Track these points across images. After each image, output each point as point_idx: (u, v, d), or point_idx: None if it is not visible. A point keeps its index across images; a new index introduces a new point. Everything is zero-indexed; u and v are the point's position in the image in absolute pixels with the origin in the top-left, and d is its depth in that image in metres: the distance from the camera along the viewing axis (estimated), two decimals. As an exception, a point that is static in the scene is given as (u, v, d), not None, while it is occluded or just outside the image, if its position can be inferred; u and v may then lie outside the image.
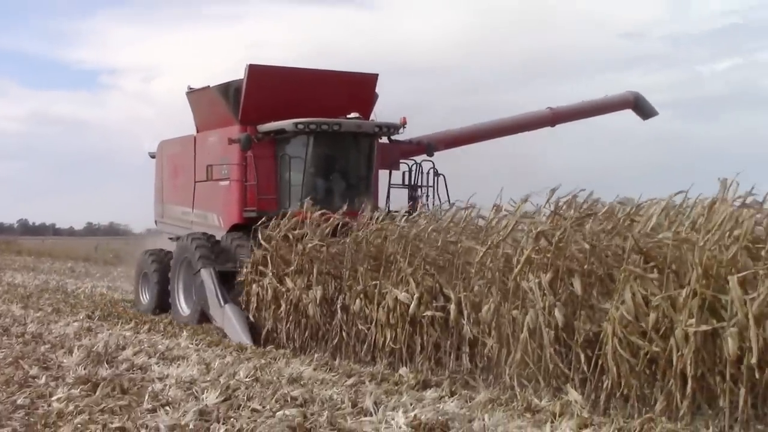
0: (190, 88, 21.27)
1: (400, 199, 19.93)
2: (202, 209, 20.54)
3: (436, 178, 19.63)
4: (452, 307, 12.46)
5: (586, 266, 11.07)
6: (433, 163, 19.84)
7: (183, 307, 19.38)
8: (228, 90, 19.44)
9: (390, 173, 19.99)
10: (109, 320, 19.13)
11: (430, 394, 11.05)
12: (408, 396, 10.80)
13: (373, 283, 14.00)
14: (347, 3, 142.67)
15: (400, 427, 9.00)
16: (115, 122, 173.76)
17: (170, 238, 22.62)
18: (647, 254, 10.49)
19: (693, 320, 9.61)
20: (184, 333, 16.82)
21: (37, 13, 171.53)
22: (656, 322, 10.03)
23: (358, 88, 19.99)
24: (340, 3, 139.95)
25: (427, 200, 19.61)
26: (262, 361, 13.35)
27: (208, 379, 11.59)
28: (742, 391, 9.20)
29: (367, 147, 19.22)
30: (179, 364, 12.69)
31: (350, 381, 11.89)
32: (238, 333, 15.68)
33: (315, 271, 15.19)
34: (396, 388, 11.53)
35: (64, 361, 12.76)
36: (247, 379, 11.59)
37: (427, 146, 20.51)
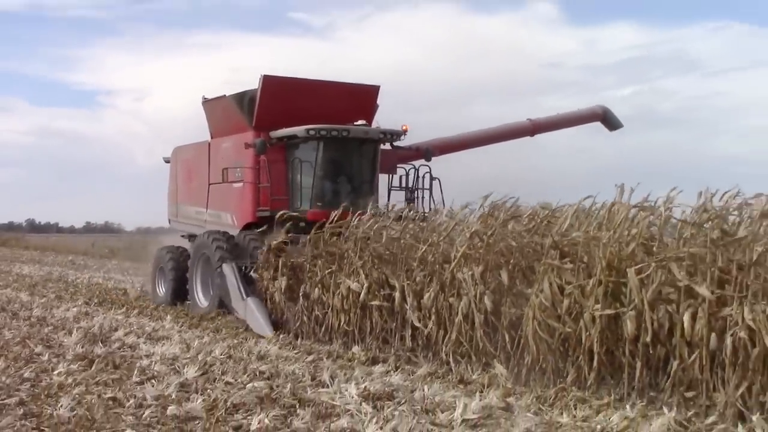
0: (205, 98, 20.27)
1: (399, 202, 18.60)
2: (215, 209, 19.56)
3: (431, 181, 18.69)
4: (397, 295, 12.50)
5: (511, 260, 11.17)
6: (429, 167, 18.99)
7: (201, 299, 18.21)
8: (243, 99, 18.56)
9: (390, 177, 19.22)
10: (103, 306, 19.06)
11: (378, 368, 11.15)
12: (359, 370, 10.92)
13: (329, 273, 14.06)
14: (311, 35, 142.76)
15: (352, 397, 9.08)
16: (110, 136, 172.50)
17: (182, 236, 21.74)
18: (562, 250, 10.58)
19: (599, 305, 9.74)
20: (168, 317, 16.72)
21: (44, 42, 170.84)
22: (569, 307, 10.13)
23: (361, 98, 19.10)
24: (304, 35, 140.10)
25: (422, 202, 18.75)
26: (235, 341, 13.41)
27: (188, 356, 11.65)
28: (639, 364, 9.35)
29: (372, 152, 18.37)
30: (164, 344, 12.72)
31: (310, 358, 11.99)
32: (260, 324, 14.70)
33: (280, 264, 15.13)
34: (349, 363, 11.64)
35: (65, 340, 12.77)
36: (222, 356, 11.65)
37: (425, 152, 19.52)
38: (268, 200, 17.55)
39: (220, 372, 10.46)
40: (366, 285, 12.96)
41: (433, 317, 11.93)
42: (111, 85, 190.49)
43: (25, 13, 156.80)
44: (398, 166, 19.25)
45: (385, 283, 12.83)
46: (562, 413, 8.60)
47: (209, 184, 19.74)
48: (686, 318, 8.88)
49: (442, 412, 8.47)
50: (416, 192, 18.80)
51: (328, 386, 9.77)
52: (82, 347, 12.09)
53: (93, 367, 10.60)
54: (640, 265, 9.56)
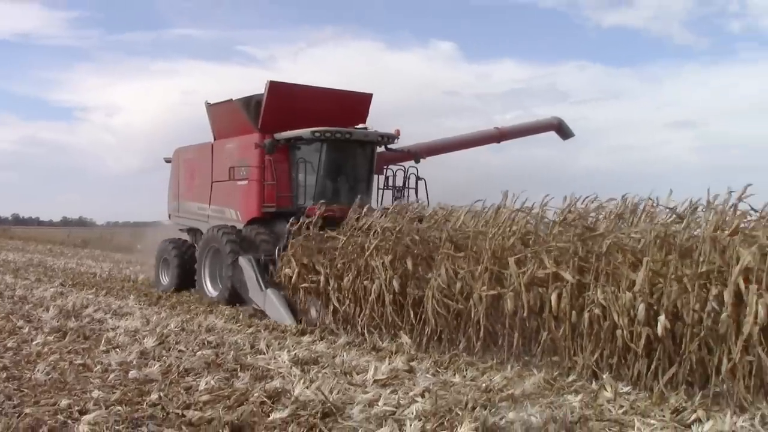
0: (209, 103, 18.46)
1: (386, 200, 17.17)
2: (219, 205, 17.82)
3: (417, 181, 17.05)
4: (321, 278, 12.48)
5: (415, 250, 11.24)
6: (417, 169, 17.31)
7: (210, 289, 16.58)
8: (249, 102, 16.90)
9: (378, 177, 17.49)
10: (76, 287, 18.54)
11: (306, 338, 11.12)
12: (291, 340, 10.89)
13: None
14: (254, 65, 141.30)
15: (284, 362, 9.06)
16: (85, 146, 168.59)
17: (181, 230, 20.07)
18: (456, 242, 10.71)
19: (485, 287, 9.87)
20: (132, 296, 16.44)
21: (31, 66, 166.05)
22: (461, 288, 10.24)
23: (356, 104, 17.57)
24: (249, 65, 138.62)
25: (407, 201, 16.63)
26: (188, 316, 13.18)
27: (148, 329, 11.41)
28: (516, 334, 9.53)
29: (370, 153, 16.87)
30: (127, 319, 12.44)
31: (250, 330, 11.88)
32: (281, 314, 13.08)
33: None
34: (282, 335, 11.56)
35: (43, 316, 12.37)
36: (176, 329, 11.44)
37: (415, 154, 17.94)
38: (275, 197, 16.09)
39: (174, 342, 10.29)
40: (296, 270, 12.86)
41: (350, 297, 11.93)
42: (86, 103, 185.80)
43: (15, 40, 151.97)
44: (388, 167, 17.54)
45: (313, 269, 12.76)
46: (455, 374, 8.68)
47: (212, 182, 18.17)
48: (553, 298, 9.06)
49: (358, 374, 8.50)
50: (405, 191, 17.19)
51: (264, 353, 9.73)
52: (58, 321, 11.78)
53: (66, 338, 10.35)
54: (518, 255, 9.73)
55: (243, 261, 14.54)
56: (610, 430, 6.55)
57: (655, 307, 8.13)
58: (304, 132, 15.68)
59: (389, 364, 8.97)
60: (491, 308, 9.88)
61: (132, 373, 8.18)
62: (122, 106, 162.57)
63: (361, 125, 16.88)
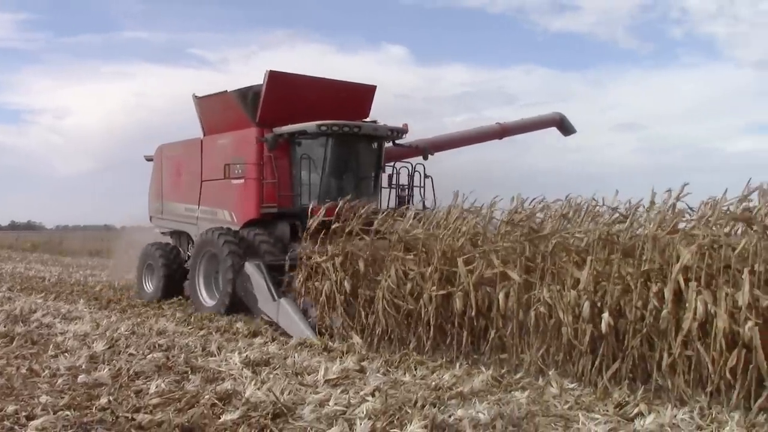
0: (197, 96, 16.85)
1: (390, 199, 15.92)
2: (210, 206, 16.22)
3: (424, 179, 15.58)
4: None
5: (366, 252, 11.22)
6: (423, 166, 15.76)
7: (205, 297, 14.80)
8: (247, 94, 15.39)
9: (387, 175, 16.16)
10: (25, 291, 18.23)
11: (258, 340, 11.04)
12: (242, 342, 10.81)
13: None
14: (206, 68, 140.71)
15: (236, 364, 8.99)
16: (34, 148, 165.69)
17: (163, 233, 18.35)
18: (407, 244, 10.75)
19: (435, 287, 9.93)
20: (81, 300, 16.21)
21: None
22: (411, 288, 10.28)
23: (359, 96, 16.28)
24: (200, 67, 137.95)
25: (411, 200, 15.65)
26: (138, 320, 13.02)
27: (98, 332, 11.26)
28: (465, 333, 9.60)
29: (378, 149, 15.49)
30: (77, 323, 12.24)
31: (201, 332, 11.77)
32: (298, 327, 11.48)
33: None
34: (234, 336, 11.48)
35: (-10, 321, 12.18)
36: (127, 332, 11.31)
37: (424, 150, 16.42)
38: (275, 196, 14.66)
39: (124, 345, 10.15)
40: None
41: (303, 297, 11.88)
42: (34, 105, 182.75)
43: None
44: (395, 164, 16.14)
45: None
46: (405, 373, 8.71)
47: (202, 181, 16.57)
48: (501, 296, 9.15)
49: (309, 375, 8.48)
50: (411, 189, 15.77)
51: (215, 355, 9.65)
52: (5, 327, 11.57)
53: (14, 343, 10.17)
54: (467, 255, 9.82)
55: (250, 267, 12.92)
56: (555, 425, 6.65)
57: (599, 305, 8.27)
58: (309, 126, 14.40)
59: (340, 364, 8.96)
60: (441, 308, 9.93)
61: (81, 378, 8.05)
62: (72, 108, 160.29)
63: (369, 119, 15.80)
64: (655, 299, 7.76)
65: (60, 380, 7.97)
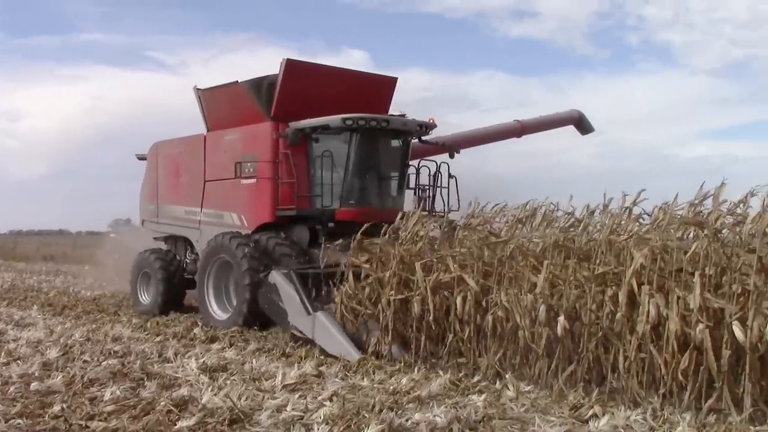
0: (199, 88, 15.46)
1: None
2: (215, 208, 14.83)
3: (449, 179, 14.20)
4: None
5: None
6: (447, 165, 14.39)
7: (215, 310, 13.52)
8: (260, 85, 14.04)
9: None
10: (-25, 298, 17.94)
11: (215, 346, 10.96)
12: (200, 348, 10.73)
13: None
14: (165, 71, 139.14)
15: (192, 370, 8.91)
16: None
17: (156, 238, 16.92)
18: (365, 249, 10.72)
19: (393, 292, 9.94)
20: (35, 306, 15.96)
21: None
22: (369, 293, 10.28)
23: (379, 89, 14.96)
24: (159, 71, 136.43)
25: (431, 201, 14.41)
26: (94, 326, 12.87)
27: (51, 339, 11.08)
28: (423, 337, 9.64)
29: (406, 145, 14.17)
30: (30, 329, 12.07)
31: (158, 338, 11.66)
32: (340, 344, 10.11)
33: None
34: (191, 342, 11.35)
35: (-62, 329, 11.92)
36: (81, 339, 11.15)
37: (450, 147, 14.94)
38: (293, 197, 13.33)
39: (79, 352, 10.01)
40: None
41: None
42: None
43: None
44: (419, 162, 14.82)
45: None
46: (363, 378, 8.72)
47: (205, 181, 15.19)
48: (458, 301, 9.21)
49: (267, 380, 8.44)
50: (435, 190, 14.42)
51: (172, 361, 9.57)
52: (-45, 334, 11.35)
53: (-36, 352, 9.97)
54: (424, 260, 9.86)
55: (278, 276, 11.45)
56: (512, 427, 6.71)
57: (555, 309, 8.36)
58: (332, 119, 13.13)
59: (298, 369, 8.94)
60: (399, 312, 9.94)
61: (34, 385, 7.89)
62: (27, 111, 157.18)
63: (397, 112, 14.40)
64: (610, 302, 7.88)
65: (12, 388, 7.80)
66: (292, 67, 13.73)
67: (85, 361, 9.41)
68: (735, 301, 7.03)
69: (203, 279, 13.79)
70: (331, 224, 13.02)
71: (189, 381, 8.32)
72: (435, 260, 9.75)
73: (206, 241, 14.16)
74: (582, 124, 21.59)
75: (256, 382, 8.40)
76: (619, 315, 7.70)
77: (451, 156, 14.75)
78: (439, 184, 14.29)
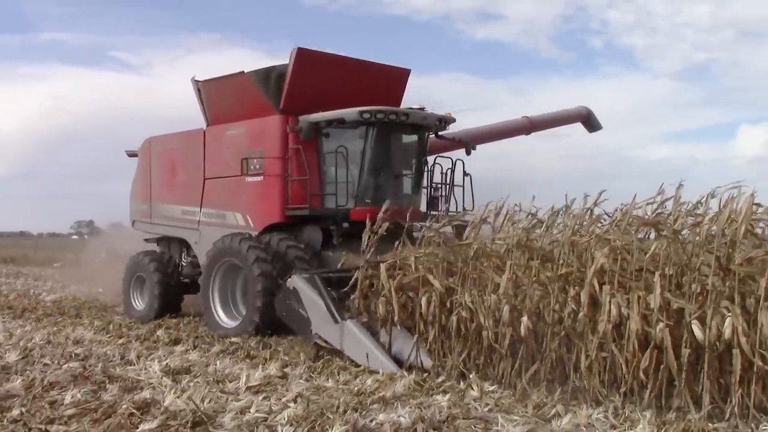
0: (197, 80, 14.54)
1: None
2: (216, 208, 13.97)
3: (464, 177, 13.37)
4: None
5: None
6: (463, 162, 13.56)
7: (222, 317, 12.61)
8: (269, 76, 13.14)
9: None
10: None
11: (179, 348, 10.88)
12: (163, 350, 10.64)
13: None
14: (129, 71, 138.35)
15: (155, 372, 8.85)
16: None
17: (148, 240, 16.07)
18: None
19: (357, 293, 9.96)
20: (-7, 310, 15.76)
21: None
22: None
23: (392, 81, 14.15)
24: (123, 71, 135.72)
25: (448, 201, 13.55)
26: (54, 329, 12.69)
27: (11, 342, 10.95)
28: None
29: (424, 141, 13.37)
30: (-12, 333, 11.92)
31: (121, 341, 11.54)
32: (375, 356, 9.21)
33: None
34: (154, 345, 11.26)
35: None
36: (42, 342, 11.01)
37: (467, 143, 14.17)
38: (304, 196, 12.56)
39: (39, 356, 9.89)
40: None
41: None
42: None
43: None
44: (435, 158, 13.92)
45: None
46: (328, 379, 8.71)
47: (205, 179, 14.32)
48: (423, 302, 9.24)
49: (230, 382, 8.40)
50: (451, 188, 13.54)
51: (134, 364, 9.49)
52: None
53: None
54: (389, 261, 9.88)
55: (300, 282, 10.44)
56: (476, 427, 6.75)
57: (519, 309, 8.43)
58: (348, 113, 12.36)
59: (263, 371, 8.91)
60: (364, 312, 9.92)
61: (-8, 389, 7.80)
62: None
63: (416, 105, 13.48)
64: (572, 302, 7.96)
65: (-31, 392, 7.70)
66: (303, 56, 12.91)
67: (45, 365, 9.30)
68: (694, 301, 7.16)
69: (208, 283, 12.82)
70: (345, 224, 12.34)
71: (151, 383, 8.25)
72: (399, 261, 9.75)
73: (206, 243, 13.50)
74: (590, 121, 21.16)
75: (220, 384, 8.36)
76: (581, 315, 7.79)
77: (468, 152, 14.07)
78: (453, 183, 13.49)
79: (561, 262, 8.31)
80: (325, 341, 9.94)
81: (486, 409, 7.31)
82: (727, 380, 6.92)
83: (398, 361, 9.18)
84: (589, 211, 8.72)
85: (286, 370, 9.19)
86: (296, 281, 10.46)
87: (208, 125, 14.62)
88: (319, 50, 13.35)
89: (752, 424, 6.54)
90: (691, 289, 7.23)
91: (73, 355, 9.97)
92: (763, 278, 6.73)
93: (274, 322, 11.25)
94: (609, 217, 8.70)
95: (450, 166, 13.48)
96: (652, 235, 8.15)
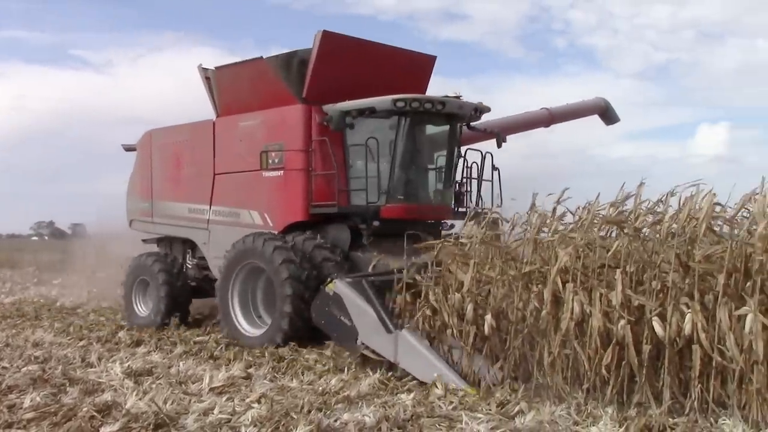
0: (207, 68, 13.49)
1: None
2: (229, 205, 12.93)
3: (492, 172, 12.41)
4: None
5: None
6: (492, 155, 12.55)
7: (243, 325, 11.59)
8: (290, 61, 12.14)
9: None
10: None
11: (141, 349, 10.78)
12: (125, 352, 10.55)
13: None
14: (89, 70, 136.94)
15: (117, 374, 8.78)
16: None
17: (145, 240, 15.16)
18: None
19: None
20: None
21: None
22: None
23: (418, 69, 13.24)
24: (83, 69, 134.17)
25: (478, 196, 12.65)
26: (13, 331, 12.53)
27: (-32, 346, 10.81)
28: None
29: (457, 132, 12.42)
30: (-55, 338, 11.70)
31: (81, 343, 11.41)
32: (439, 370, 8.24)
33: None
34: (116, 347, 11.15)
35: None
36: (0, 345, 10.89)
37: (498, 135, 13.03)
38: (330, 191, 11.61)
39: (-3, 358, 9.76)
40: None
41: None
42: None
43: None
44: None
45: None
46: (292, 379, 8.70)
47: (215, 174, 13.30)
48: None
49: (193, 383, 8.37)
50: (480, 184, 12.62)
51: (95, 366, 9.41)
52: None
53: None
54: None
55: (344, 287, 9.42)
56: (440, 425, 6.78)
57: (483, 307, 8.48)
58: (380, 101, 11.42)
59: (226, 371, 8.88)
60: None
61: (-51, 393, 7.67)
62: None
63: (452, 93, 12.39)
64: (536, 300, 8.03)
65: (-76, 397, 7.56)
66: (328, 40, 11.94)
67: (3, 368, 9.19)
68: (655, 298, 7.26)
69: (227, 288, 11.75)
70: (375, 223, 11.55)
71: (113, 386, 8.18)
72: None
73: (216, 244, 12.76)
74: (607, 114, 20.21)
75: (183, 385, 8.31)
76: (544, 312, 7.86)
77: (499, 145, 12.97)
78: (482, 177, 12.57)
79: (525, 260, 8.37)
80: (374, 352, 9.05)
81: (450, 407, 7.35)
82: (687, 376, 7.03)
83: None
84: (552, 210, 8.78)
85: (250, 370, 9.18)
86: (340, 286, 9.45)
87: (218, 116, 13.61)
88: (345, 34, 12.47)
89: (711, 419, 6.65)
90: (652, 286, 7.32)
91: (32, 358, 9.85)
92: (722, 275, 6.84)
93: (305, 329, 10.54)
94: (572, 215, 8.79)
95: (476, 160, 12.59)
96: (614, 234, 8.24)
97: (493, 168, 12.41)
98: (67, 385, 8.21)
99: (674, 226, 7.43)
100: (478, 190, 12.55)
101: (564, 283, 7.79)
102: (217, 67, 13.36)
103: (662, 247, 7.42)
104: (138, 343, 11.34)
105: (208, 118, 13.76)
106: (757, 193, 7.02)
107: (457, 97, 12.14)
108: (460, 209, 12.54)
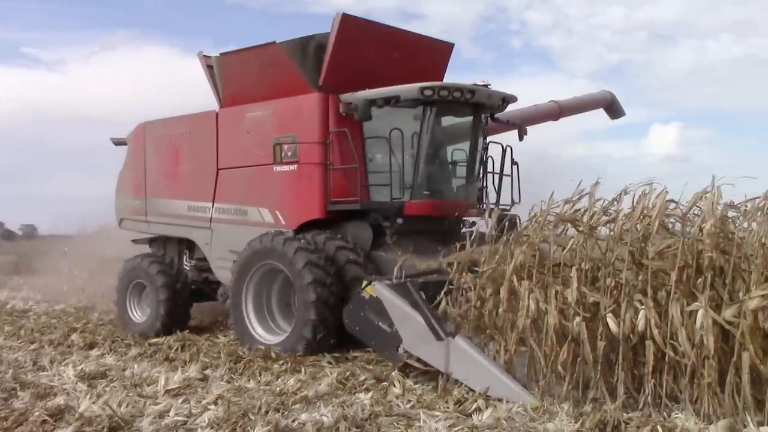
0: (206, 55, 12.54)
1: None
2: (234, 203, 11.99)
3: (512, 166, 11.65)
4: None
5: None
6: (511, 148, 11.75)
7: (258, 330, 10.69)
8: (306, 47, 11.24)
9: None
10: None
11: (94, 352, 10.64)
12: (77, 355, 10.39)
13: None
14: (41, 68, 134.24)
15: (69, 378, 8.66)
16: None
17: (135, 241, 14.32)
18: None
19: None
20: None
21: None
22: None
23: (435, 56, 12.46)
24: (34, 67, 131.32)
25: (499, 192, 11.83)
26: (-39, 335, 12.29)
27: None
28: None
29: (483, 123, 11.62)
30: None
31: (33, 346, 11.19)
32: (497, 380, 7.59)
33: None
34: (69, 349, 10.96)
35: None
36: (-53, 350, 10.67)
37: (520, 127, 12.30)
38: (349, 187, 10.80)
39: (-56, 364, 9.54)
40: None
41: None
42: None
43: None
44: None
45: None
46: (249, 380, 8.65)
47: (218, 169, 12.36)
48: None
49: (148, 386, 8.28)
50: (501, 178, 11.77)
51: (47, 370, 9.25)
52: None
53: None
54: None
55: (385, 290, 8.60)
56: (398, 423, 6.80)
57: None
58: (406, 89, 10.58)
59: (182, 373, 8.79)
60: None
61: None
62: None
63: (480, 81, 11.77)
64: (493, 299, 8.09)
65: None
66: (347, 24, 11.07)
67: (-49, 373, 8.97)
68: (609, 295, 7.36)
69: (240, 291, 10.83)
70: (399, 220, 10.75)
71: (65, 389, 8.07)
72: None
73: (220, 244, 12.08)
74: (613, 107, 19.46)
75: (138, 388, 8.22)
76: (501, 310, 7.93)
77: (521, 137, 12.25)
78: (503, 172, 11.79)
79: (482, 259, 8.42)
80: (420, 361, 8.34)
81: (408, 405, 7.38)
82: (641, 371, 7.14)
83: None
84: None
85: (206, 371, 9.09)
86: (380, 289, 8.64)
87: (221, 106, 12.61)
88: (365, 18, 11.61)
89: (665, 413, 6.77)
90: (606, 283, 7.43)
91: (-20, 363, 9.64)
92: (674, 272, 6.96)
93: (330, 336, 9.91)
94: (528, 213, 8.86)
95: (496, 153, 11.83)
96: (569, 232, 8.34)
97: (512, 162, 11.69)
98: (18, 389, 8.07)
99: (628, 224, 7.55)
100: (499, 186, 11.79)
101: (520, 281, 7.87)
102: (221, 54, 12.43)
103: (616, 244, 7.52)
104: (91, 346, 11.17)
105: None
106: (708, 192, 7.15)
107: (486, 86, 11.51)
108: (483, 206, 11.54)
